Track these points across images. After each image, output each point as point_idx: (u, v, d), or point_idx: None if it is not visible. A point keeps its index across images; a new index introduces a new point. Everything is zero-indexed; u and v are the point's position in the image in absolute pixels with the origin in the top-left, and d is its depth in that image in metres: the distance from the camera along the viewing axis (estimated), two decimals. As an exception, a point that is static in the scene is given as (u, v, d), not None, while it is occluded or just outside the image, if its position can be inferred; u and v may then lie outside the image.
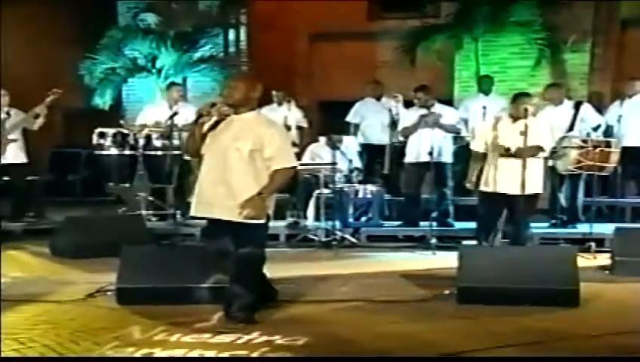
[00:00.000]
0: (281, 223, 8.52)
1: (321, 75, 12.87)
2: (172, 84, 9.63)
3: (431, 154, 7.89)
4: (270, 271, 5.57)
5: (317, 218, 8.33)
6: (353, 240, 8.17)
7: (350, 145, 9.16)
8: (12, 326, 4.61)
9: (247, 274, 4.67)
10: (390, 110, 9.46)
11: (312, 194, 8.49)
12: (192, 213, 4.81)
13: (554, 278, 5.17)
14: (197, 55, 11.43)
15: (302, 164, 8.75)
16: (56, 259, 7.28)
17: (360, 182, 8.72)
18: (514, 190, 6.38)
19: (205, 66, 11.35)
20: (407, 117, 8.66)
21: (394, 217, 8.93)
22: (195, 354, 4.06)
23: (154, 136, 8.63)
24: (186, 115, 7.95)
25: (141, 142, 8.63)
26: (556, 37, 10.59)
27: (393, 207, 9.09)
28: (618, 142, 7.93)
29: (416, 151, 8.35)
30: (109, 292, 5.42)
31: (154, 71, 11.32)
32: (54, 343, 4.27)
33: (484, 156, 6.77)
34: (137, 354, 4.07)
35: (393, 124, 9.29)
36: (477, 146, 6.89)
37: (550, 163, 7.85)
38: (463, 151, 8.40)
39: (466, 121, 9.21)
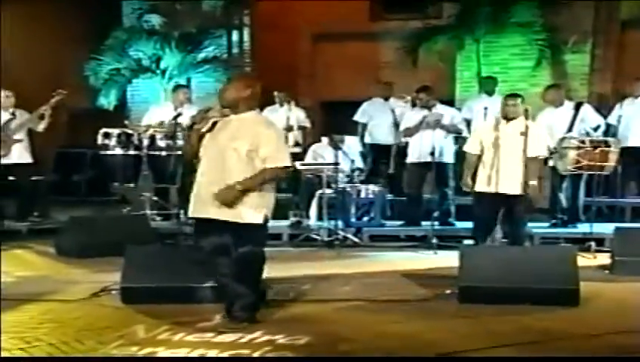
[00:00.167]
0: (284, 223, 8.57)
1: (324, 76, 12.89)
2: (178, 86, 9.65)
3: (432, 154, 7.94)
4: (273, 270, 5.60)
5: (319, 218, 8.37)
6: (355, 239, 8.21)
7: (352, 145, 9.20)
8: (18, 325, 4.64)
9: (248, 274, 4.67)
10: (393, 110, 9.50)
11: (314, 194, 8.53)
12: (190, 213, 4.78)
13: (554, 278, 5.19)
14: (201, 56, 11.46)
15: (304, 164, 8.81)
16: (61, 258, 7.30)
17: (362, 182, 8.76)
18: (514, 190, 6.41)
19: (209, 67, 11.36)
20: (409, 117, 8.71)
21: (396, 217, 8.97)
22: (197, 353, 4.08)
23: (158, 136, 8.68)
24: (190, 115, 8.00)
25: (145, 142, 8.68)
26: (557, 38, 10.61)
27: (395, 207, 9.13)
28: (617, 141, 7.95)
29: (418, 151, 8.39)
30: (113, 292, 5.43)
31: (158, 72, 11.35)
32: (59, 342, 4.28)
33: (479, 158, 6.75)
34: (141, 353, 4.09)
35: (396, 124, 9.33)
36: (471, 148, 6.85)
37: (551, 163, 7.90)
38: (464, 152, 8.43)
39: (469, 122, 9.23)
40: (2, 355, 4.05)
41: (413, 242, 8.23)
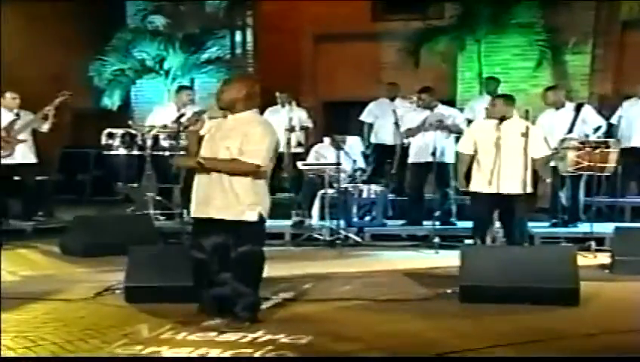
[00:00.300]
0: (287, 222, 8.63)
1: (326, 76, 12.94)
2: (181, 87, 9.69)
3: (434, 154, 7.97)
4: (275, 269, 5.65)
5: (322, 217, 8.41)
6: (357, 239, 8.25)
7: (354, 145, 9.23)
8: (22, 324, 4.67)
9: (249, 273, 4.70)
10: (395, 111, 9.54)
11: (316, 194, 8.56)
12: (192, 214, 4.83)
13: (554, 277, 5.21)
14: (204, 56, 11.48)
15: (306, 165, 8.86)
16: (65, 257, 7.34)
17: (364, 182, 8.80)
18: (514, 189, 6.45)
19: (212, 68, 11.38)
20: (411, 118, 8.74)
21: (397, 216, 9.00)
22: (200, 352, 4.10)
23: (161, 136, 8.72)
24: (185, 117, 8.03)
25: (149, 142, 8.71)
26: (557, 39, 10.63)
27: (397, 207, 9.16)
28: (617, 142, 7.96)
29: (420, 151, 8.43)
30: (117, 291, 5.47)
31: (162, 72, 11.37)
32: (64, 341, 4.29)
33: (472, 157, 6.75)
34: (144, 352, 4.11)
35: (397, 124, 9.36)
36: (465, 149, 6.83)
37: (552, 163, 7.93)
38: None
39: (471, 122, 9.23)
40: (7, 354, 4.07)
41: (415, 241, 8.27)
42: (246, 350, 4.13)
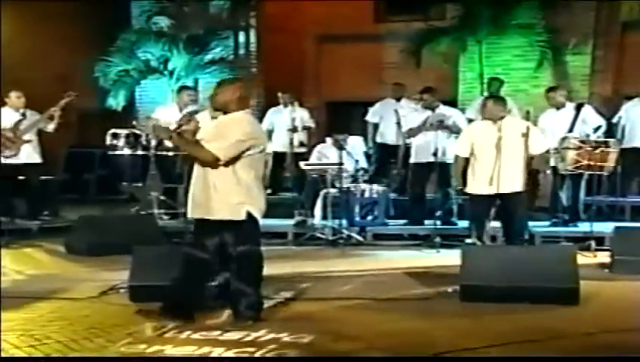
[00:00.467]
0: (289, 222, 8.68)
1: (329, 76, 12.98)
2: (183, 87, 9.72)
3: (435, 154, 8.01)
4: (278, 268, 5.69)
5: (324, 217, 8.45)
6: (359, 238, 8.30)
7: (356, 145, 9.28)
8: (28, 323, 4.71)
9: (248, 273, 4.74)
10: (397, 111, 9.58)
11: (319, 193, 8.61)
12: (188, 215, 4.91)
13: (554, 277, 5.24)
14: (208, 57, 11.49)
15: (309, 164, 8.91)
16: (70, 256, 7.40)
17: (366, 182, 8.85)
18: (514, 189, 6.49)
19: (216, 68, 11.38)
20: (413, 118, 8.79)
21: (399, 216, 9.03)
22: (204, 350, 4.12)
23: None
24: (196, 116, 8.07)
25: (153, 142, 8.76)
26: (558, 39, 10.65)
27: (399, 206, 9.21)
28: (617, 142, 7.99)
29: (421, 151, 8.47)
30: (121, 290, 5.50)
31: (166, 73, 11.39)
32: (69, 340, 4.32)
33: (467, 160, 6.78)
34: (149, 351, 4.13)
35: (398, 124, 9.40)
36: (461, 151, 6.86)
37: (552, 163, 7.98)
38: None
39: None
40: (14, 352, 4.10)
41: (416, 241, 8.31)
42: (249, 349, 4.14)
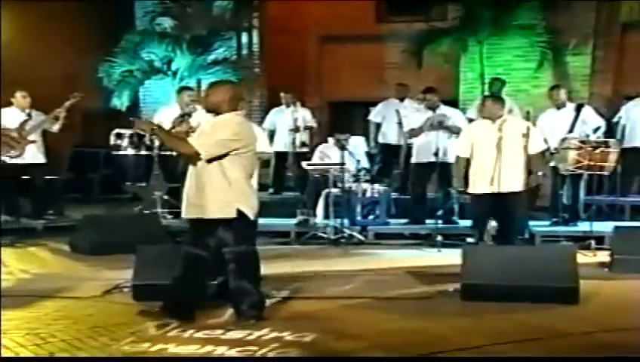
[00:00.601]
0: (292, 221, 8.73)
1: (331, 76, 13.01)
2: (183, 88, 9.74)
3: (436, 154, 8.04)
4: (280, 267, 5.71)
5: (326, 216, 8.49)
6: (361, 237, 8.32)
7: (358, 145, 9.32)
8: (32, 322, 4.74)
9: (245, 272, 4.78)
10: (398, 111, 9.61)
11: (321, 193, 8.65)
12: (183, 215, 4.97)
13: (554, 276, 5.27)
14: (211, 58, 11.54)
15: (311, 164, 8.95)
16: (75, 256, 7.44)
17: (367, 182, 8.88)
18: (514, 188, 6.53)
19: (219, 69, 11.42)
20: (414, 118, 8.83)
21: (400, 215, 9.06)
22: (207, 349, 4.15)
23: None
24: (197, 117, 8.10)
25: (156, 142, 8.78)
26: (558, 40, 10.68)
27: (400, 206, 9.24)
28: (617, 142, 8.01)
29: (422, 151, 8.51)
30: (125, 289, 5.53)
31: (169, 73, 11.44)
32: (73, 338, 4.35)
33: (468, 160, 6.82)
34: (152, 349, 4.16)
35: (399, 124, 9.43)
36: (462, 152, 6.91)
37: (552, 163, 8.01)
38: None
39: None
40: (19, 351, 4.13)
41: (418, 240, 8.34)
42: (251, 347, 4.17)
